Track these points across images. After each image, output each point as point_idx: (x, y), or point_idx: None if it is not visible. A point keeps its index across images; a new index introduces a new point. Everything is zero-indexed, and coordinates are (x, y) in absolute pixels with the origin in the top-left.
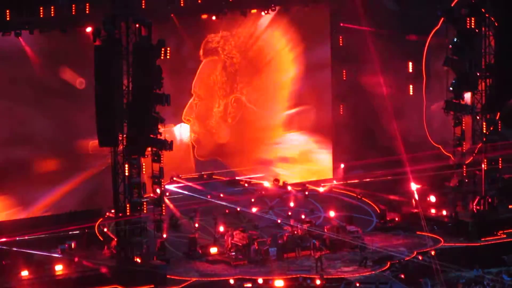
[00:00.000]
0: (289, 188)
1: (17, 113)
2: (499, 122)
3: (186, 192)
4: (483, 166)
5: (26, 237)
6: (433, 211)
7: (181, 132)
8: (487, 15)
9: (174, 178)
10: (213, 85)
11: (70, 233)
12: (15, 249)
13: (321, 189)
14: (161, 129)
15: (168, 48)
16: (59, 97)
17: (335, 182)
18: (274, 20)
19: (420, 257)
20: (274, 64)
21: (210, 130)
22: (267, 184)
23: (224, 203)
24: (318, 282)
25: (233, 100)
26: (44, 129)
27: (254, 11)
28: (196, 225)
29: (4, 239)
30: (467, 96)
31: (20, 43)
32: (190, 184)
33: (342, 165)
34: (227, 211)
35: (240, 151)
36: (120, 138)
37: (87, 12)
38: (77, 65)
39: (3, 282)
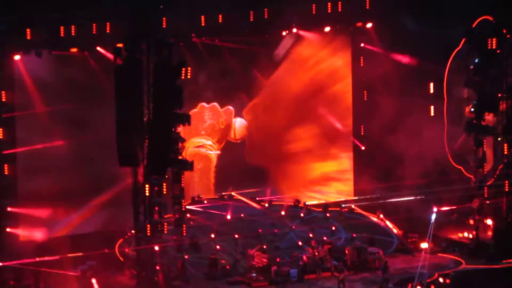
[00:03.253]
0: (310, 209)
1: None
2: None
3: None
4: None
5: (47, 258)
6: (460, 235)
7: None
8: (508, 36)
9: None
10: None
11: (90, 253)
12: (35, 269)
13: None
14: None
15: (189, 68)
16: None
17: (353, 206)
18: (297, 41)
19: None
20: (296, 83)
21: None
22: (288, 205)
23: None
24: None
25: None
26: (66, 153)
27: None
28: (218, 246)
29: (26, 260)
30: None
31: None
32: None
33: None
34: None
35: (262, 171)
36: (140, 158)
37: (107, 31)
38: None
39: None
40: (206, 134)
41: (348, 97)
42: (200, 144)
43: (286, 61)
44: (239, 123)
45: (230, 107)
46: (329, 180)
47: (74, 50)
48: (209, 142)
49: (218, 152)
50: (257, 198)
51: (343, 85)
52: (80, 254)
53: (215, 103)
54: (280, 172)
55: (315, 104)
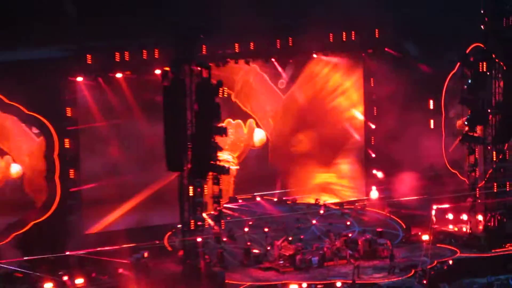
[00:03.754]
0: (328, 206)
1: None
2: (507, 151)
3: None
4: (493, 189)
5: (107, 248)
6: (451, 226)
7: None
8: (497, 60)
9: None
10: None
11: (143, 244)
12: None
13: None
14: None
15: (226, 88)
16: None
17: (364, 204)
18: (317, 65)
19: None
20: (316, 104)
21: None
22: (310, 203)
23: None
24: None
25: (298, 139)
26: (122, 160)
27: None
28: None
29: (89, 250)
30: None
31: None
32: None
33: (374, 188)
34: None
35: (281, 175)
36: (185, 164)
37: (156, 57)
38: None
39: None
40: (229, 149)
41: (360, 112)
42: (223, 158)
43: (305, 83)
44: (258, 132)
45: (251, 120)
46: (345, 184)
47: (127, 72)
48: (230, 158)
49: (237, 167)
50: (284, 198)
51: (356, 102)
52: (135, 245)
53: (240, 120)
54: (301, 175)
55: (331, 118)
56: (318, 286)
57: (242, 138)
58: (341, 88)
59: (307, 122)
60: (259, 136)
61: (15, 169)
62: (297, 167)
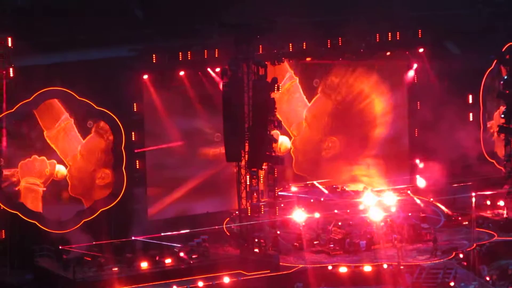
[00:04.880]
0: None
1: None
2: None
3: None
4: None
5: (169, 234)
6: (488, 212)
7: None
8: None
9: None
10: (322, 121)
11: (204, 230)
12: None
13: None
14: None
15: (280, 84)
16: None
17: (408, 191)
18: (361, 64)
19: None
20: (362, 100)
21: (309, 152)
22: (358, 190)
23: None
24: None
25: (330, 143)
26: (183, 151)
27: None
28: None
29: (153, 235)
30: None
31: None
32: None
33: (418, 176)
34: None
35: (333, 171)
36: (242, 155)
37: (216, 56)
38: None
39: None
40: None
41: (405, 107)
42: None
43: (351, 81)
44: (283, 140)
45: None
46: (389, 172)
47: (189, 70)
48: None
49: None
50: (333, 186)
51: (400, 98)
52: (196, 230)
53: None
54: (350, 170)
55: (377, 112)
56: (366, 267)
57: None
58: (383, 86)
59: (345, 121)
60: (284, 143)
61: (60, 170)
62: (337, 163)
